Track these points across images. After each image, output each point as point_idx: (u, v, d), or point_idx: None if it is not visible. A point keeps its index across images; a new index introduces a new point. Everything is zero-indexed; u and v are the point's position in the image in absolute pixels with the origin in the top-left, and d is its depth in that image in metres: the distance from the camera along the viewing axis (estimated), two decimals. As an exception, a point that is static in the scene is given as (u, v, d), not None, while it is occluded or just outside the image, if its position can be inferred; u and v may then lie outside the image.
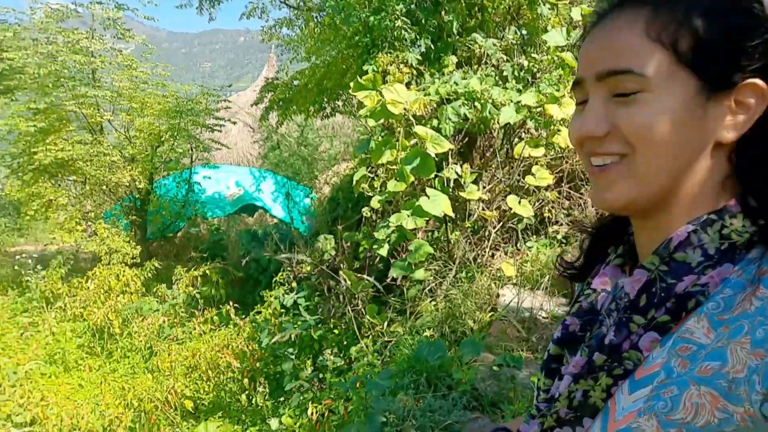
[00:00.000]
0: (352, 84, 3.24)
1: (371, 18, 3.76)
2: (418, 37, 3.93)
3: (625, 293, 0.58)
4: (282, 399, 3.79)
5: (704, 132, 0.54)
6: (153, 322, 4.93)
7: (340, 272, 3.83)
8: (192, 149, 6.93)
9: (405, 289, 3.72)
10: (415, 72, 3.80)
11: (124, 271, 5.51)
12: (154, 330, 4.89)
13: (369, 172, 3.46)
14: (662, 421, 0.48)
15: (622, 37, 0.55)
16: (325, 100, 5.45)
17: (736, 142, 0.56)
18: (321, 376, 3.72)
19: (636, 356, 0.54)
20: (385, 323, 3.64)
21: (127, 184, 6.43)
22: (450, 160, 3.66)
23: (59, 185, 6.64)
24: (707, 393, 0.47)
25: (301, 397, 3.61)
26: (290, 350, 3.91)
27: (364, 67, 3.66)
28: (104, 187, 6.65)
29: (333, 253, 4.33)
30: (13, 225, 10.63)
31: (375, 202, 3.36)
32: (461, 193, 3.56)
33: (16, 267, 6.33)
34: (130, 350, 5.16)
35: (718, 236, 0.54)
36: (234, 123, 7.42)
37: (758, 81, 0.53)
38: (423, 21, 3.97)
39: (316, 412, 3.19)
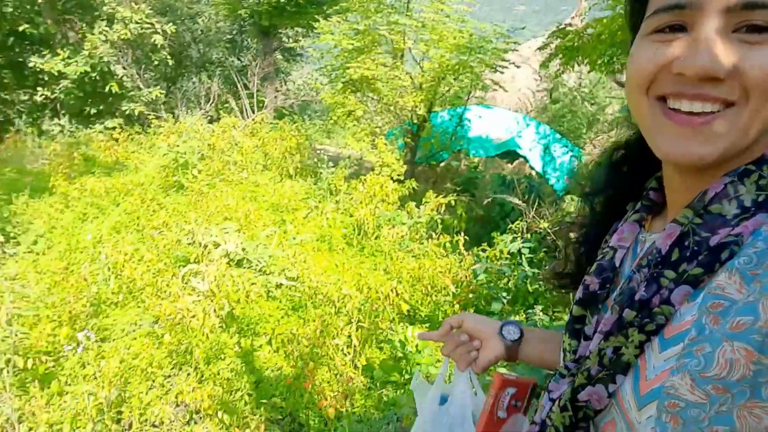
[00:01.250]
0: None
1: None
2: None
3: (657, 248, 0.56)
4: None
5: None
6: (398, 232, 5.59)
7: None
8: (472, 86, 7.25)
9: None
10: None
11: (388, 183, 6.29)
12: (397, 239, 5.55)
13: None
14: (696, 379, 0.48)
15: None
16: (618, 53, 4.98)
17: None
18: (527, 327, 3.76)
19: (668, 311, 0.53)
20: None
21: (410, 108, 7.12)
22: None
23: (359, 99, 7.79)
24: (741, 348, 0.46)
25: (503, 340, 3.73)
26: (504, 294, 4.02)
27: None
28: (392, 107, 7.51)
29: (573, 215, 4.16)
30: (323, 127, 12.97)
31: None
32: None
33: (316, 160, 7.77)
34: (377, 250, 5.99)
35: (754, 187, 0.52)
36: (518, 67, 7.41)
37: None
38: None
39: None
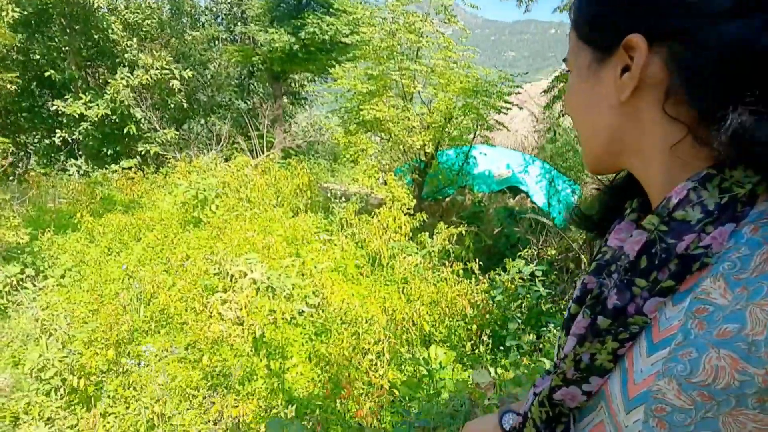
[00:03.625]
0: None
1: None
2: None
3: (625, 254, 0.58)
4: (501, 350, 4.25)
5: (602, 97, 0.59)
6: (411, 262, 5.90)
7: (582, 258, 4.03)
8: (477, 126, 7.73)
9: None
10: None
11: (400, 216, 6.63)
12: (411, 268, 5.86)
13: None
14: (683, 384, 0.49)
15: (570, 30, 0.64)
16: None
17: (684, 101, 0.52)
18: (541, 345, 4.04)
19: (642, 320, 0.55)
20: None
21: (418, 147, 7.55)
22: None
23: (370, 138, 8.24)
24: (727, 356, 0.46)
25: (518, 356, 4.01)
26: (518, 314, 4.32)
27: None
28: (401, 146, 7.95)
29: (580, 243, 4.51)
30: (328, 166, 13.45)
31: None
32: None
33: (329, 196, 8.12)
34: (390, 280, 6.27)
35: (717, 191, 0.52)
36: (520, 108, 7.91)
37: (632, 36, 0.54)
38: None
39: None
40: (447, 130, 7.76)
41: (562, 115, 7.09)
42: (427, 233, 6.30)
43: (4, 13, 9.18)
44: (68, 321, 4.05)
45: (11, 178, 9.82)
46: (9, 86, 6.93)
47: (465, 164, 7.92)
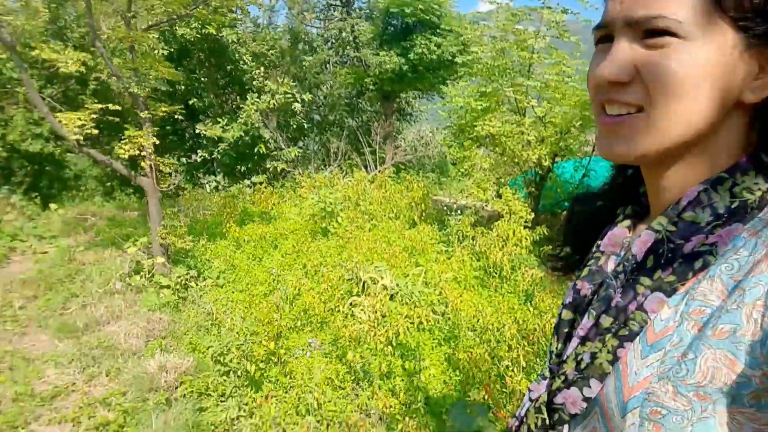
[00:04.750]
0: None
1: None
2: None
3: (633, 255, 0.57)
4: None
5: (730, 89, 0.51)
6: (535, 274, 6.04)
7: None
8: (596, 140, 7.67)
9: None
10: None
11: (519, 229, 6.80)
12: (535, 280, 6.00)
13: None
14: (678, 386, 0.48)
15: None
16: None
17: (754, 105, 0.52)
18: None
19: (641, 317, 0.54)
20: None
21: (534, 161, 7.66)
22: None
23: (482, 152, 8.48)
24: (723, 356, 0.46)
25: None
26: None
27: None
28: (516, 159, 8.11)
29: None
30: (436, 179, 13.83)
31: None
32: None
33: (445, 208, 8.45)
34: (511, 292, 6.44)
35: (728, 195, 0.52)
36: (640, 120, 7.73)
37: None
38: None
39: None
40: (563, 143, 7.79)
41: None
42: (551, 247, 6.37)
43: (156, 52, 10.68)
44: (241, 315, 4.72)
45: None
46: (171, 115, 8.09)
47: (586, 177, 7.87)
